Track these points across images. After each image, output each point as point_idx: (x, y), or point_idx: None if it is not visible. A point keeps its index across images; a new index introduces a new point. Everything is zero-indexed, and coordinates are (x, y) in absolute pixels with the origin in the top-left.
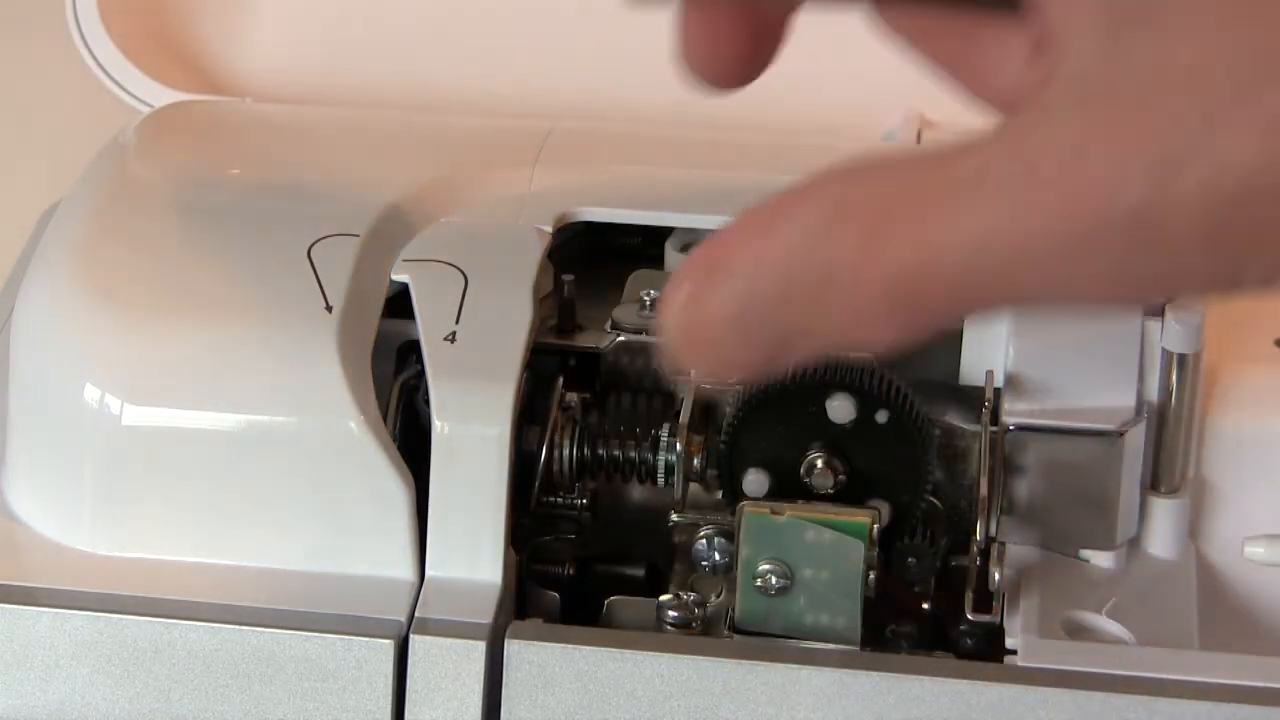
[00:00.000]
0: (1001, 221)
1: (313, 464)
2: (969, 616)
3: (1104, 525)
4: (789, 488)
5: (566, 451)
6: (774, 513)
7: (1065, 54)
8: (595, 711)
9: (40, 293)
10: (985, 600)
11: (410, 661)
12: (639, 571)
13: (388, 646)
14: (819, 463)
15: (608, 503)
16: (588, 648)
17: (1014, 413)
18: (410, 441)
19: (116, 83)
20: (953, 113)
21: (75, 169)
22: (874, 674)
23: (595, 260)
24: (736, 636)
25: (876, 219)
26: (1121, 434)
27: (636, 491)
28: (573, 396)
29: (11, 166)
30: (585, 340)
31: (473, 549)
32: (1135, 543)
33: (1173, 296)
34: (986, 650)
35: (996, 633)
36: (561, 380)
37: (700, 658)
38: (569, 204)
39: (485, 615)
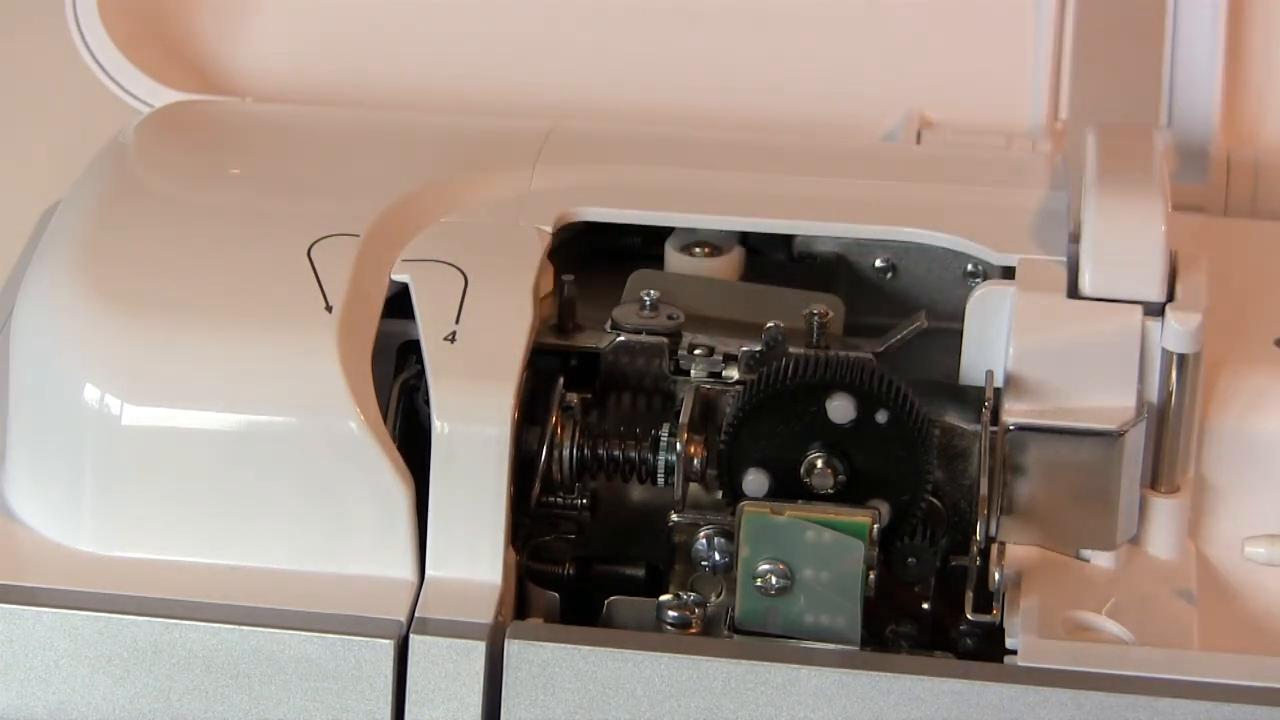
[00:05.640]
0: None
1: (313, 464)
2: (969, 616)
3: (1104, 525)
4: (789, 488)
5: (566, 451)
6: (774, 513)
7: None
8: (595, 711)
9: (40, 293)
10: (985, 600)
11: (410, 661)
12: (639, 571)
13: (388, 646)
14: (819, 463)
15: (608, 503)
16: (588, 648)
17: (1014, 413)
18: (410, 441)
19: (116, 83)
20: (953, 113)
21: (75, 169)
22: (874, 674)
23: (595, 260)
24: (736, 636)
25: None
26: (1121, 434)
27: (636, 491)
28: (573, 396)
29: (11, 166)
30: (585, 340)
31: (473, 549)
32: (1135, 543)
33: None
34: (986, 650)
35: (996, 633)
36: (561, 380)
37: (700, 658)
38: (569, 204)
39: (485, 615)
